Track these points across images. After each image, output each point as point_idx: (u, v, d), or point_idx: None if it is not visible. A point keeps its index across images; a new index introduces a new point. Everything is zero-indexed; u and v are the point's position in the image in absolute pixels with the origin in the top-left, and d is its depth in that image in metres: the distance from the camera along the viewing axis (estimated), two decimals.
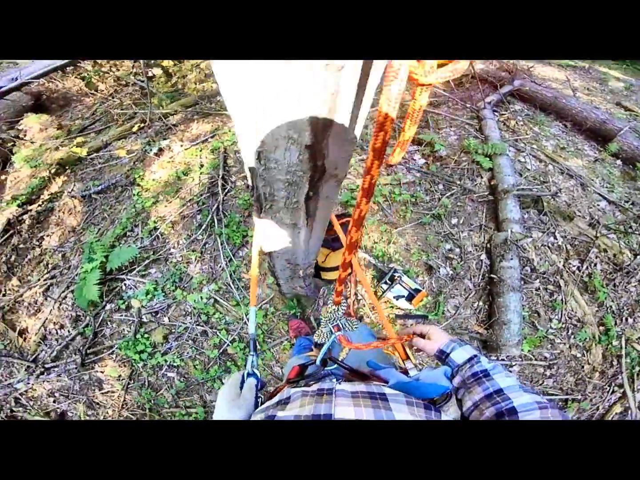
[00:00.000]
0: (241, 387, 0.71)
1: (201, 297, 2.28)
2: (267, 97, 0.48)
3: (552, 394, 2.06)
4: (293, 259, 1.37)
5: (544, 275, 2.33)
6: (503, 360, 2.11)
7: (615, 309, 2.25)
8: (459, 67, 0.35)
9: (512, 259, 2.27)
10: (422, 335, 0.84)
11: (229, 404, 0.65)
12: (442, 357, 0.76)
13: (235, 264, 2.37)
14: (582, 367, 2.10)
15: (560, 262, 2.36)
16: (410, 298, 2.14)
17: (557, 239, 2.43)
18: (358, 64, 0.44)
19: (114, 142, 3.05)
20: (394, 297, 2.15)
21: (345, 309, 0.95)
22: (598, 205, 2.68)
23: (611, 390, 2.07)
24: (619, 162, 3.04)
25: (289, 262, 1.42)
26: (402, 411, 0.49)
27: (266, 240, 0.99)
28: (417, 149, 2.77)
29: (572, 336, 2.18)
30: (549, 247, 2.42)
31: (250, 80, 0.46)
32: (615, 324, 2.20)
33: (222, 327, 2.20)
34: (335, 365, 0.81)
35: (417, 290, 2.15)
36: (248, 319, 2.19)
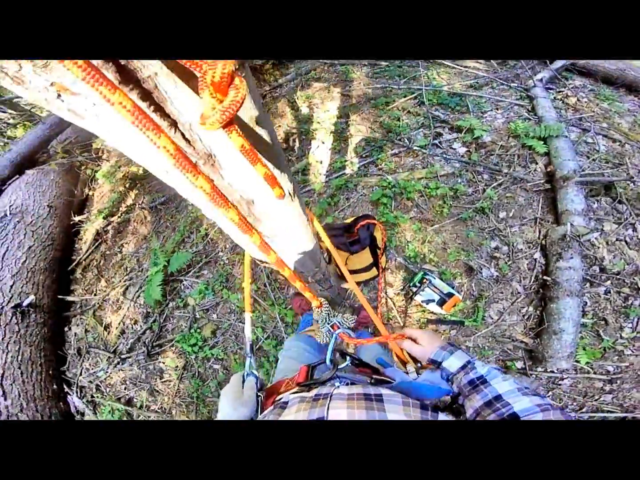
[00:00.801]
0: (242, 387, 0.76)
1: (243, 297, 2.49)
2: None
3: (608, 411, 1.74)
4: (293, 267, 1.40)
5: (618, 276, 1.93)
6: (552, 372, 1.85)
7: None
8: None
9: (571, 257, 1.93)
10: (415, 340, 0.81)
11: (234, 403, 0.69)
12: (435, 365, 0.74)
13: None
14: None
15: None
16: (441, 303, 2.00)
17: (637, 232, 1.97)
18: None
19: None
20: (423, 301, 2.04)
21: (329, 309, 0.96)
22: None
23: None
24: None
25: (293, 269, 1.46)
26: (397, 412, 0.50)
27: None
28: (456, 136, 2.49)
29: None
30: (626, 241, 1.98)
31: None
32: None
33: (258, 325, 2.37)
34: (345, 365, 0.82)
35: (450, 295, 2.00)
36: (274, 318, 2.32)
